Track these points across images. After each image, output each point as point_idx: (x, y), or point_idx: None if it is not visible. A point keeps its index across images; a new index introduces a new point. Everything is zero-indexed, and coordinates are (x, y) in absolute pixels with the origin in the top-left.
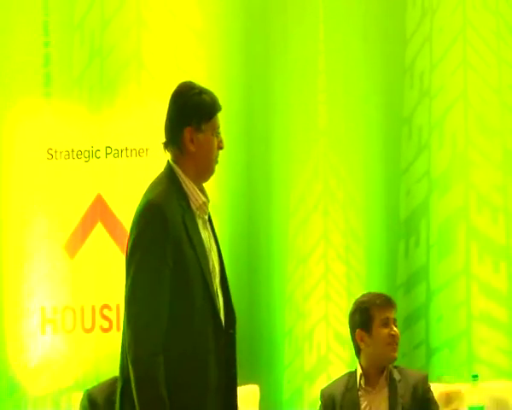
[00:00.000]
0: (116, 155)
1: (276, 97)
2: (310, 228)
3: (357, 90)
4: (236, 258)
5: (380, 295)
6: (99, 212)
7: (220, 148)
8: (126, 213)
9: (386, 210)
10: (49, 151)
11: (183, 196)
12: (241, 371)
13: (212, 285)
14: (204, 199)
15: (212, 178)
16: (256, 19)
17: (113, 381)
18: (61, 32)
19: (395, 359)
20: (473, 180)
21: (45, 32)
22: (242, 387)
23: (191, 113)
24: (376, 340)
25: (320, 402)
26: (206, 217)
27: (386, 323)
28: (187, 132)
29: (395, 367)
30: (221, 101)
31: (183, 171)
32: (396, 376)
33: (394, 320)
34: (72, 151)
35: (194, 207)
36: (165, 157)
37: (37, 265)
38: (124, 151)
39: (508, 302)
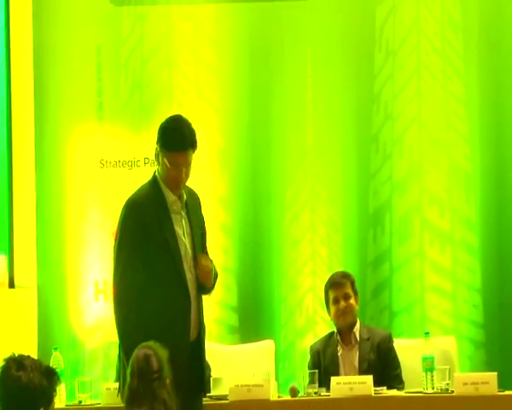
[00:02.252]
0: (152, 164)
1: (274, 119)
2: (300, 220)
3: (336, 114)
4: (244, 243)
5: (332, 278)
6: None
7: (175, 181)
8: None
9: (359, 206)
10: (101, 161)
11: (162, 198)
12: (249, 330)
13: (181, 262)
14: (174, 198)
15: (225, 181)
16: (258, 59)
17: None
18: (110, 71)
19: (347, 322)
20: (425, 184)
21: (98, 71)
22: (256, 343)
23: (159, 137)
24: (331, 313)
25: (309, 355)
26: (182, 214)
27: (336, 300)
28: (156, 151)
29: (365, 327)
30: (231, 120)
31: (161, 179)
32: (365, 335)
33: (344, 295)
34: (119, 161)
35: (168, 205)
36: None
37: (92, 248)
38: None
39: (452, 277)
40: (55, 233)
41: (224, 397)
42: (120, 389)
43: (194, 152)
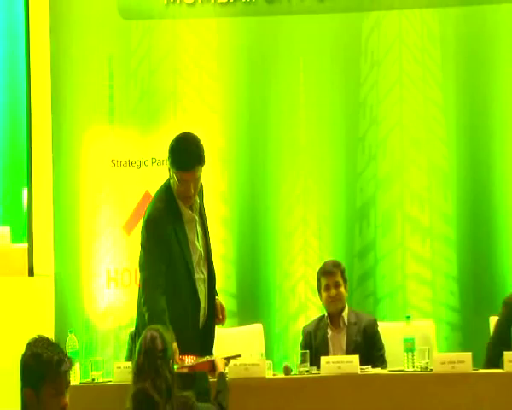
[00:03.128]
0: (159, 164)
1: (270, 122)
2: (294, 214)
3: (326, 118)
4: (242, 235)
5: (325, 266)
6: (147, 203)
7: (185, 195)
8: None
9: (346, 201)
10: (113, 161)
11: (177, 210)
12: (246, 314)
13: (194, 270)
14: (190, 214)
15: (226, 178)
16: (256, 67)
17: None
18: (120, 79)
19: (337, 309)
20: (407, 181)
21: (110, 79)
22: (249, 325)
23: (168, 155)
24: (322, 299)
25: (302, 337)
26: (197, 218)
27: (327, 287)
28: (168, 167)
29: (352, 312)
30: (231, 123)
31: (175, 192)
32: (352, 319)
33: (335, 283)
34: (129, 161)
35: (184, 218)
36: None
37: (104, 240)
38: (164, 161)
39: (431, 266)
40: (70, 226)
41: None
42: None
43: (202, 166)
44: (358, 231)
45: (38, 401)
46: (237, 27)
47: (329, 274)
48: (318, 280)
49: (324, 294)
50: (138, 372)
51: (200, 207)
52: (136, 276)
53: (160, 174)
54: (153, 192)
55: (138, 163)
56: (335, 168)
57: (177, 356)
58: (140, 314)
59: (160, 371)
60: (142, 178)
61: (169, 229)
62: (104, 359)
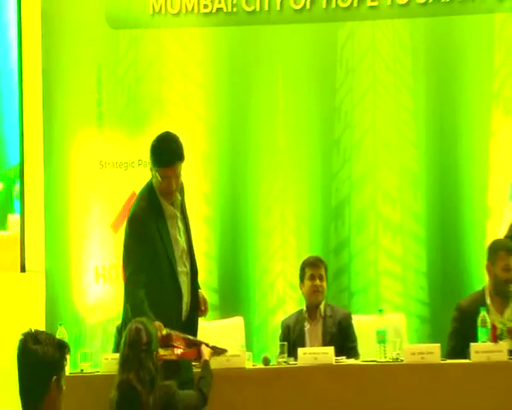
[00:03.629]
0: (145, 166)
1: (250, 126)
2: (273, 213)
3: (303, 122)
4: (223, 233)
5: (311, 258)
6: (129, 209)
7: (167, 191)
8: None
9: (322, 201)
10: (101, 162)
11: (159, 208)
12: (228, 307)
13: (176, 264)
14: (172, 210)
15: (208, 179)
16: (237, 74)
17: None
18: (108, 85)
19: (318, 301)
20: (379, 182)
21: (98, 85)
22: (230, 318)
23: (150, 154)
24: (305, 288)
25: (280, 330)
26: (178, 215)
27: (313, 277)
28: (150, 166)
29: (328, 305)
30: (213, 127)
31: (157, 190)
32: (328, 312)
33: (320, 275)
34: (116, 163)
35: (165, 214)
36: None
37: (93, 237)
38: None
39: (402, 262)
40: (60, 225)
41: None
42: None
43: (182, 163)
44: (334, 229)
45: (59, 388)
46: (219, 36)
47: (315, 266)
48: (302, 270)
49: (309, 283)
50: (123, 363)
51: (181, 205)
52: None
53: (145, 175)
54: (139, 192)
55: (125, 165)
56: (312, 170)
57: (159, 333)
58: (125, 309)
59: (143, 362)
60: (128, 179)
61: (151, 226)
62: (92, 350)
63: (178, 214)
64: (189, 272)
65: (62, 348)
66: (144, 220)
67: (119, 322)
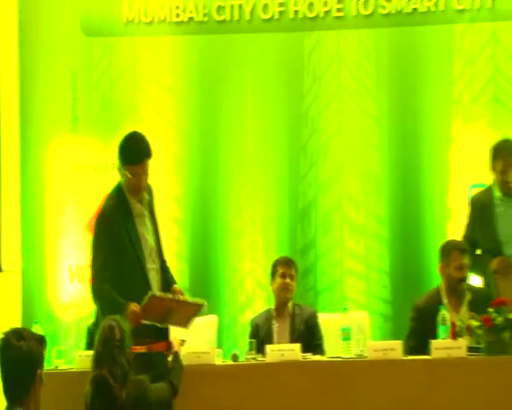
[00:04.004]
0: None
1: (220, 131)
2: (242, 214)
3: (272, 128)
4: (194, 234)
5: (283, 258)
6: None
7: (136, 188)
8: None
9: (290, 203)
10: (76, 166)
11: (127, 207)
12: None
13: (144, 259)
14: (140, 207)
15: (179, 182)
16: (208, 82)
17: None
18: (83, 91)
19: (287, 298)
20: (344, 186)
21: (73, 91)
22: (205, 316)
23: (118, 154)
24: (275, 285)
25: (249, 328)
26: (146, 213)
27: (284, 275)
28: (118, 166)
29: (296, 304)
30: (184, 132)
31: (125, 189)
32: (296, 311)
33: (290, 275)
34: (91, 166)
35: (133, 212)
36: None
37: (67, 238)
38: None
39: (365, 263)
40: (36, 226)
41: None
42: None
43: (149, 160)
44: (300, 230)
45: (41, 381)
46: (191, 45)
47: (287, 265)
48: (274, 267)
49: (280, 280)
50: (97, 360)
51: (149, 204)
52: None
53: (118, 178)
54: None
55: (99, 168)
56: (280, 173)
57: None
58: (97, 308)
59: (116, 358)
60: (102, 182)
61: (119, 224)
62: (66, 348)
63: (146, 213)
64: (159, 269)
65: (43, 342)
66: (112, 218)
67: (91, 321)
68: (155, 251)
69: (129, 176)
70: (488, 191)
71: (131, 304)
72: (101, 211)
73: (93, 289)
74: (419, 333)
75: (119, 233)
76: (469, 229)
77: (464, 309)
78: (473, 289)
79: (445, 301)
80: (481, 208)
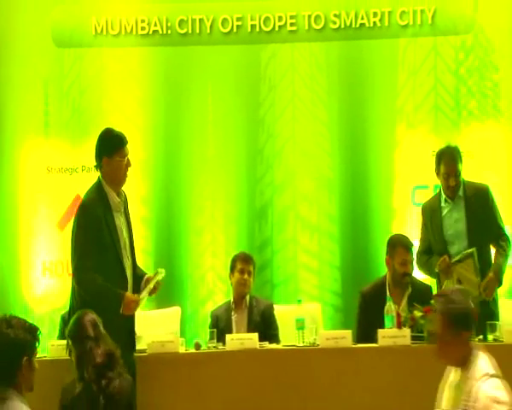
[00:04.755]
0: (87, 171)
1: (183, 136)
2: (203, 213)
3: (231, 133)
4: (159, 231)
5: (243, 254)
6: (78, 204)
7: (122, 175)
8: None
9: (248, 203)
10: (48, 168)
11: (105, 199)
12: (163, 299)
13: (121, 251)
14: (118, 200)
15: (145, 183)
16: (172, 90)
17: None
18: (54, 98)
19: (244, 292)
20: (298, 187)
21: (45, 97)
22: (169, 308)
23: (102, 149)
24: (234, 279)
25: (210, 319)
26: (122, 210)
27: (242, 271)
28: (101, 163)
29: (253, 297)
30: (149, 137)
31: (106, 183)
32: (253, 303)
33: (248, 271)
34: (62, 168)
35: (112, 206)
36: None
37: (40, 236)
38: (92, 168)
39: (318, 258)
40: (11, 224)
41: (143, 351)
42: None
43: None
44: (258, 228)
45: (30, 367)
46: (155, 55)
47: (246, 261)
48: (234, 262)
49: (238, 275)
50: (77, 360)
51: (125, 204)
52: (67, 267)
53: (88, 179)
54: (82, 195)
55: (70, 170)
56: (238, 175)
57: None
58: (73, 297)
59: (93, 354)
60: (73, 183)
61: (99, 215)
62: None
63: (122, 209)
64: (131, 265)
65: (33, 331)
66: (92, 210)
67: (64, 311)
68: (128, 247)
69: (114, 165)
70: (436, 197)
71: (127, 293)
72: (81, 203)
73: (80, 280)
74: (365, 317)
75: (99, 224)
76: (424, 237)
77: (404, 302)
78: (414, 284)
79: (388, 294)
80: (431, 214)
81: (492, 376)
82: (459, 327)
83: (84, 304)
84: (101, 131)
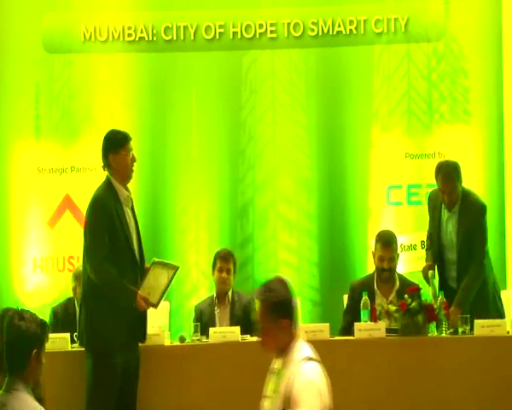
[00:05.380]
0: (77, 171)
1: (168, 139)
2: (187, 212)
3: (214, 135)
4: (145, 229)
5: (223, 252)
6: (67, 203)
7: (130, 168)
8: (83, 204)
9: (230, 202)
10: (39, 168)
11: (116, 194)
12: None
13: (132, 240)
14: (128, 194)
15: (131, 184)
16: (157, 95)
17: (68, 300)
18: (45, 101)
19: (224, 290)
20: (278, 187)
21: (36, 101)
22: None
23: (109, 147)
24: (215, 277)
25: (194, 313)
26: (130, 206)
27: (221, 270)
28: (110, 157)
29: (235, 292)
30: (136, 138)
31: (115, 179)
32: (235, 298)
33: (227, 269)
34: (52, 169)
35: (122, 200)
36: (99, 172)
37: (31, 232)
38: (81, 169)
39: (297, 254)
40: (3, 222)
41: None
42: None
43: None
44: (240, 226)
45: (39, 361)
46: (141, 61)
47: (225, 260)
48: (215, 260)
49: (218, 274)
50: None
51: (131, 201)
52: (57, 263)
53: (77, 180)
54: (72, 194)
55: (60, 171)
56: (221, 175)
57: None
58: (88, 282)
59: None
60: (63, 183)
61: (111, 207)
62: None
63: (131, 205)
64: (139, 253)
65: (43, 326)
66: (104, 202)
67: (55, 305)
68: (136, 241)
69: (124, 160)
70: (439, 194)
71: (139, 292)
72: (93, 198)
73: (96, 270)
74: (352, 309)
75: (111, 216)
76: (429, 223)
77: (393, 296)
78: (402, 279)
79: (375, 287)
80: (433, 209)
81: (311, 359)
82: (278, 315)
83: (96, 293)
84: (107, 132)
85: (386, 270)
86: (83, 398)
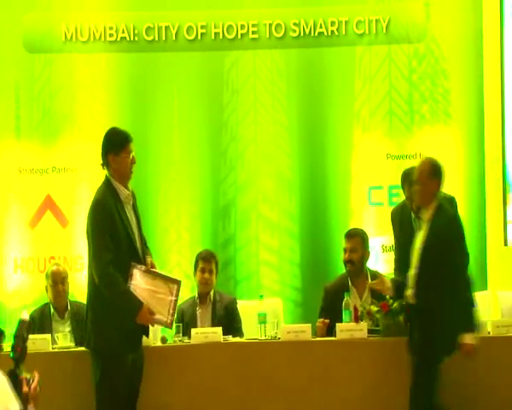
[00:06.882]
0: (58, 172)
1: (150, 140)
2: (169, 213)
3: (195, 136)
4: None
5: (204, 253)
6: (48, 204)
7: (130, 168)
8: (64, 204)
9: (212, 202)
10: (19, 169)
11: (116, 194)
12: None
13: (135, 240)
14: (128, 192)
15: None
16: (138, 95)
17: (44, 306)
18: (25, 101)
19: (206, 290)
20: (260, 187)
21: (16, 101)
22: None
23: (109, 147)
24: (197, 278)
25: (176, 313)
26: (131, 204)
27: (203, 270)
28: (110, 157)
29: (217, 292)
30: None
31: (114, 179)
32: (217, 298)
33: (209, 270)
34: (33, 169)
35: (122, 199)
36: (81, 173)
37: (12, 233)
38: (62, 169)
39: (279, 255)
40: None
41: None
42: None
43: None
44: (221, 226)
45: None
46: (123, 61)
47: (207, 260)
48: (196, 261)
49: (199, 275)
50: None
51: (133, 198)
52: (38, 264)
53: (58, 180)
54: (53, 195)
55: (41, 171)
56: (203, 176)
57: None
58: (93, 286)
59: None
60: (43, 184)
61: (112, 208)
62: (11, 332)
63: (131, 203)
64: (142, 251)
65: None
66: (105, 203)
67: (35, 306)
68: (138, 239)
69: (124, 161)
70: (404, 206)
71: (144, 306)
72: (94, 200)
73: (101, 274)
74: (327, 311)
75: (113, 217)
76: (397, 246)
77: (366, 295)
78: (374, 276)
79: (351, 284)
80: (400, 223)
81: None
82: None
83: (102, 296)
84: (107, 131)
85: (347, 261)
86: (63, 397)
